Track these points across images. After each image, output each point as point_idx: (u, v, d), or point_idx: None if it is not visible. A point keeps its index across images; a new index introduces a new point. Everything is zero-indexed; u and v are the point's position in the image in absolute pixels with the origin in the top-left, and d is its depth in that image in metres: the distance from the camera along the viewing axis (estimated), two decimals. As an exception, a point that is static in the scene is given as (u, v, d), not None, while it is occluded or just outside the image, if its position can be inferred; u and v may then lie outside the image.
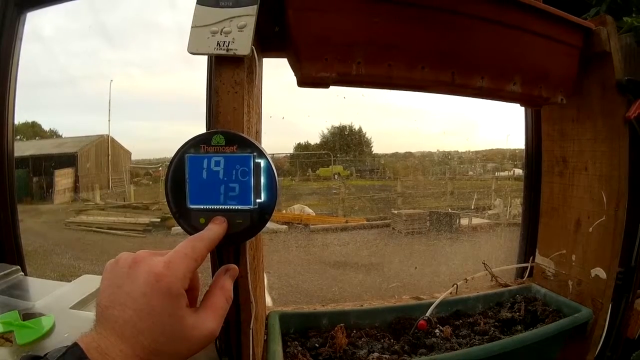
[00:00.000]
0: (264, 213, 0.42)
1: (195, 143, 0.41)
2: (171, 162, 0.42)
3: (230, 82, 0.47)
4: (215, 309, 0.36)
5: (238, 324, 0.53)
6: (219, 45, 0.46)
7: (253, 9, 0.47)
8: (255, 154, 0.41)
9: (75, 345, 0.30)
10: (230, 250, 0.48)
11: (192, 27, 0.47)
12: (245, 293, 0.51)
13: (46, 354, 0.31)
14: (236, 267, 0.42)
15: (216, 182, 0.41)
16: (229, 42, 0.46)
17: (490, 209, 8.36)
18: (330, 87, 0.60)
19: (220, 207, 0.41)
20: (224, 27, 0.46)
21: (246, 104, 0.47)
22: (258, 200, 0.42)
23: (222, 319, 0.37)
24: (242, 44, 0.46)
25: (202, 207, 0.42)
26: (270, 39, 0.58)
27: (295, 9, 0.53)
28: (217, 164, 0.41)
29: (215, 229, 0.39)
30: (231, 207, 0.41)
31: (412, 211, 7.74)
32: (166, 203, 0.43)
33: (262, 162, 0.41)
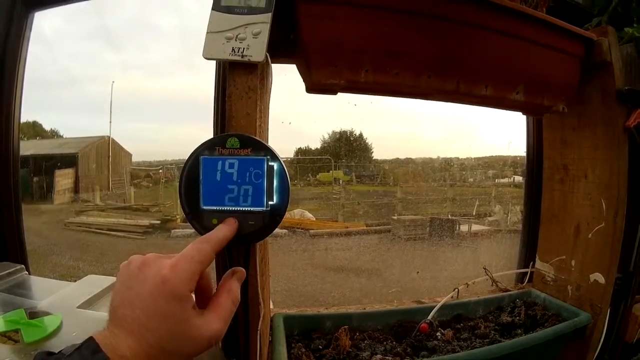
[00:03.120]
0: (275, 215, 0.43)
1: (210, 145, 0.42)
2: (186, 164, 0.42)
3: (243, 88, 0.47)
4: (220, 311, 0.37)
5: (246, 325, 0.53)
6: (234, 52, 0.47)
7: (268, 17, 0.48)
8: (268, 157, 0.42)
9: (90, 339, 0.31)
10: (240, 252, 0.48)
11: (207, 32, 0.48)
12: (254, 294, 0.51)
13: (61, 350, 0.33)
14: (243, 269, 0.42)
15: (230, 183, 0.42)
16: (243, 48, 0.47)
17: (490, 216, 8.35)
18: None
19: (233, 208, 0.42)
20: (239, 34, 0.47)
21: (258, 109, 0.48)
22: (270, 203, 0.43)
23: (228, 320, 0.37)
24: (257, 50, 0.47)
25: (215, 208, 0.42)
26: (279, 45, 0.58)
27: (307, 16, 0.54)
28: (231, 166, 0.42)
29: (223, 230, 0.40)
30: (244, 208, 0.42)
31: (412, 217, 7.71)
32: (179, 204, 0.43)
33: (275, 165, 0.42)
